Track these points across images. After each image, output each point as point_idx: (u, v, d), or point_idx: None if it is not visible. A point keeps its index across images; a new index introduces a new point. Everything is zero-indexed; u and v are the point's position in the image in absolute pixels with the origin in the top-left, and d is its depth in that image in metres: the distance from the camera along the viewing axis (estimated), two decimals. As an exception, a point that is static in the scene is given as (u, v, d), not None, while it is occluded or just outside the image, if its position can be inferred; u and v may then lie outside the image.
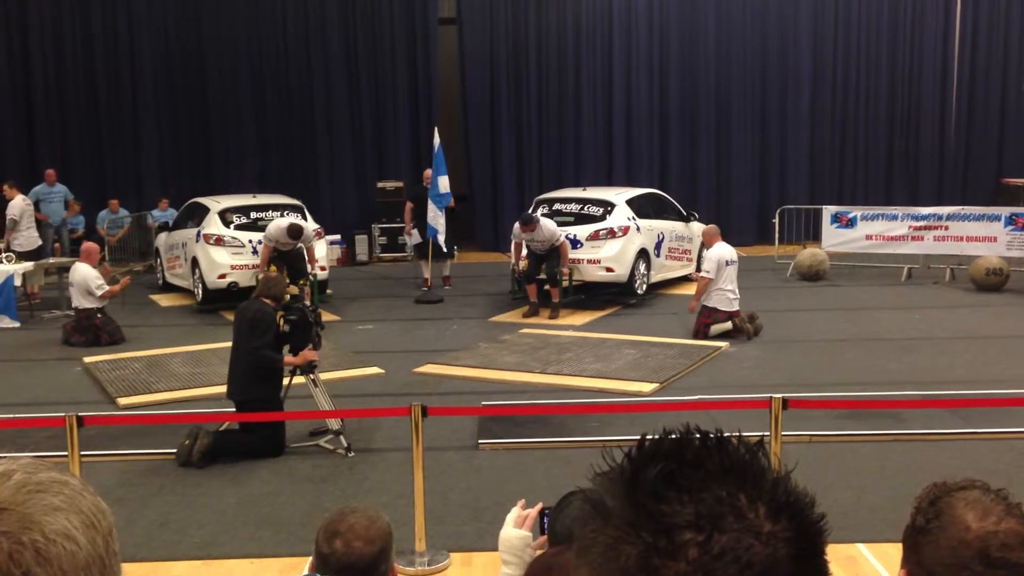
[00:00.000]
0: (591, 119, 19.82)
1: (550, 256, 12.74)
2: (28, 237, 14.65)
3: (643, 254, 13.57)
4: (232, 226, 13.80)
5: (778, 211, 17.47)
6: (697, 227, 14.55)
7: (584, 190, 15.12)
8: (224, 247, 13.48)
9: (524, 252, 13.01)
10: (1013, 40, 20.16)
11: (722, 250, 11.31)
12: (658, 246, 14.04)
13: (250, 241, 13.45)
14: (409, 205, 15.13)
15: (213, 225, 13.73)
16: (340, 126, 19.67)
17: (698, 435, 0.92)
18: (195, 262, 13.68)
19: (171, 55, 19.42)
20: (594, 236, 13.28)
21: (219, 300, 13.37)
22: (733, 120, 19.92)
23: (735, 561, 0.83)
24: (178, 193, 17.77)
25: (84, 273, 11.66)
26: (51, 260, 14.32)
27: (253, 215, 14.01)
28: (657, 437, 0.93)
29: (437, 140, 14.56)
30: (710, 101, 19.86)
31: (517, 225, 13.02)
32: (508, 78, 19.69)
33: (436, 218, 14.18)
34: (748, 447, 0.91)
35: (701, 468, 0.88)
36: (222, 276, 13.29)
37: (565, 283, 12.90)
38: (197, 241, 13.63)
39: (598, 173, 19.25)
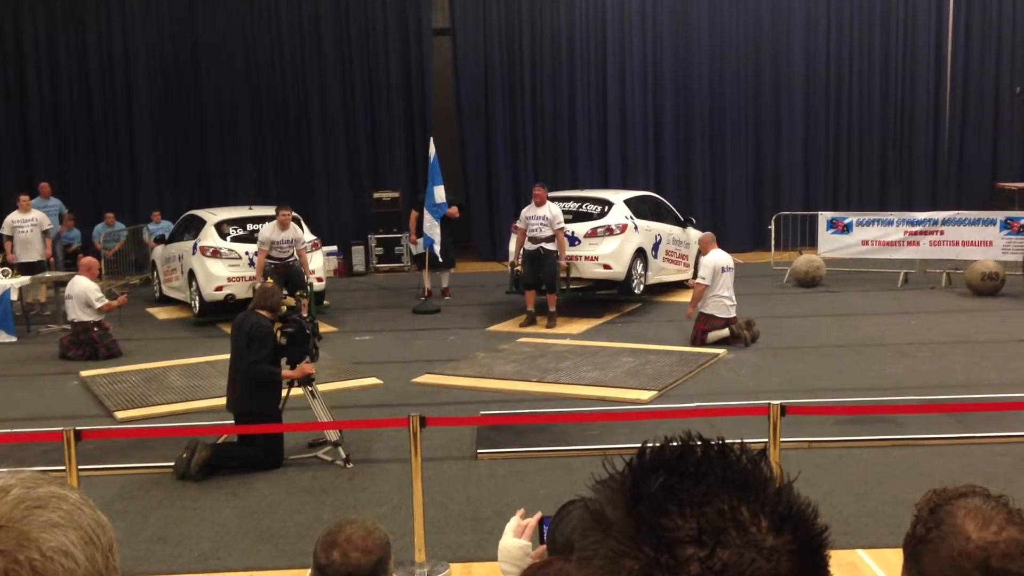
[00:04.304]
0: (586, 127, 19.86)
1: (546, 261, 12.71)
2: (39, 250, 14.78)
3: (640, 254, 13.57)
4: (228, 238, 13.80)
5: (774, 217, 17.49)
6: (695, 233, 14.56)
7: (581, 192, 15.16)
8: (221, 259, 13.48)
9: (521, 252, 12.99)
10: (1005, 43, 20.21)
11: (718, 257, 11.33)
12: (655, 247, 14.05)
13: (247, 253, 13.45)
14: (414, 214, 15.05)
15: (209, 237, 13.73)
16: (336, 137, 19.68)
17: (699, 443, 0.91)
18: (192, 274, 13.67)
19: (166, 68, 19.45)
20: (592, 233, 13.29)
21: (216, 312, 13.37)
22: (727, 127, 19.96)
23: None
24: (174, 206, 17.78)
25: (84, 285, 11.65)
26: (47, 274, 14.32)
27: (249, 227, 14.00)
28: (658, 446, 0.92)
29: (432, 150, 14.58)
30: (704, 108, 19.90)
31: (523, 211, 13.06)
32: (502, 87, 19.72)
33: (432, 228, 14.19)
34: (750, 456, 0.90)
35: (703, 481, 0.87)
36: (219, 288, 13.29)
37: (563, 274, 12.89)
38: (194, 253, 13.63)
39: (594, 180, 19.27)
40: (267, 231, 12.98)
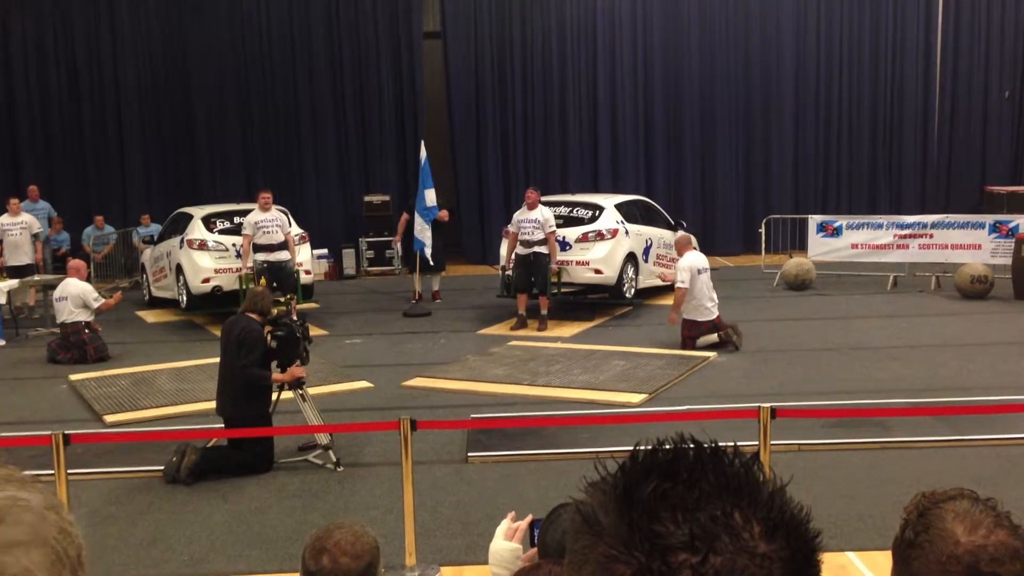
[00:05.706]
0: (576, 130, 19.87)
1: (539, 264, 12.71)
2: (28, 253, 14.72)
3: (631, 258, 13.58)
4: (215, 231, 13.78)
5: (764, 221, 17.53)
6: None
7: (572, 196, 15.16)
8: (207, 251, 13.46)
9: (513, 255, 12.99)
10: (994, 47, 20.32)
11: (693, 259, 11.22)
12: (646, 251, 14.06)
13: (233, 245, 13.42)
14: (404, 217, 15.07)
15: (197, 231, 13.71)
16: (326, 141, 19.66)
17: (692, 447, 0.91)
18: (179, 268, 13.64)
19: (156, 72, 19.39)
20: (583, 238, 13.30)
21: (203, 307, 13.35)
22: (717, 130, 20.00)
23: None
24: (164, 209, 17.69)
25: (80, 286, 11.66)
26: (36, 277, 14.27)
27: (236, 220, 13.89)
28: (650, 449, 0.92)
29: (423, 154, 14.58)
30: (695, 112, 19.94)
31: (515, 215, 13.07)
32: (493, 91, 19.73)
33: (423, 231, 14.18)
34: (743, 461, 0.90)
35: (696, 486, 0.86)
36: (206, 280, 13.26)
37: (554, 279, 12.88)
38: (181, 247, 13.62)
39: (584, 184, 19.29)
40: (249, 216, 13.12)
